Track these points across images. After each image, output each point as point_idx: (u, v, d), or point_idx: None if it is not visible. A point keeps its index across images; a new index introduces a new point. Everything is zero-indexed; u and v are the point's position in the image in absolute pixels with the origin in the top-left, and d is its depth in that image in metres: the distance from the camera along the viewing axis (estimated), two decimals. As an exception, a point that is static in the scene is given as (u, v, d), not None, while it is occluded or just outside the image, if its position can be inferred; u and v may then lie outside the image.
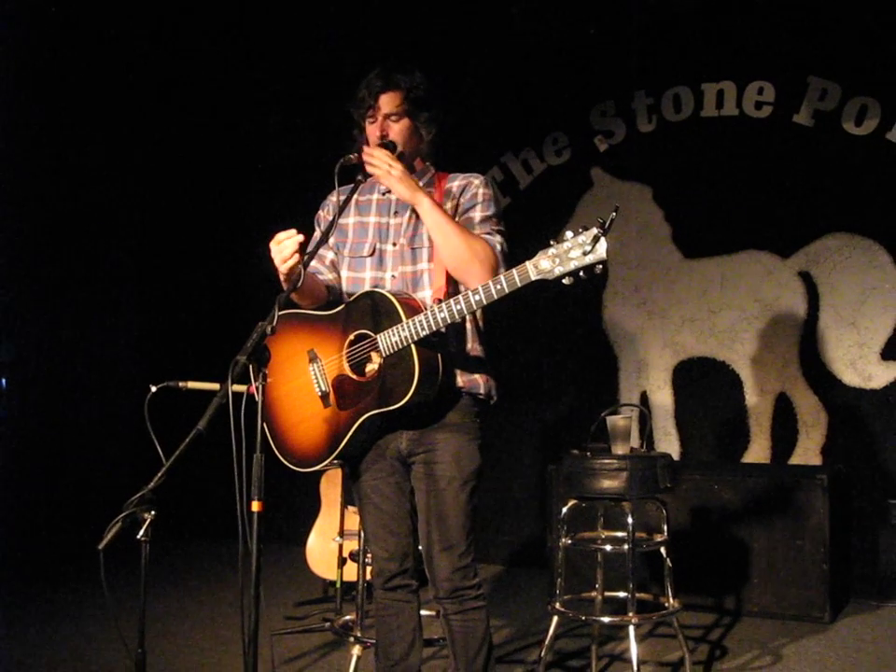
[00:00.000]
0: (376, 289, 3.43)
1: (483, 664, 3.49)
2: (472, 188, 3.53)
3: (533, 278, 2.97)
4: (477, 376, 3.51)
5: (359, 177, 3.43)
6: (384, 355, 3.31)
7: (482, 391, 3.51)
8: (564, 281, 2.94)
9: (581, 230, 2.90)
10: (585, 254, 2.87)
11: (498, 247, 3.41)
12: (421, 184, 3.49)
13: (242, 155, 8.26)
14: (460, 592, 3.46)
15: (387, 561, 3.58)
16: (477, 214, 3.47)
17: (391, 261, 3.54)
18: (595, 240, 2.86)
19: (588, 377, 7.04)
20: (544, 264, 2.93)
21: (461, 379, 3.47)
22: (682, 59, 6.66)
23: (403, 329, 3.23)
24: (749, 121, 6.49)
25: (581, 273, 2.91)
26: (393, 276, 3.50)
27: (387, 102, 3.47)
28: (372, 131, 3.51)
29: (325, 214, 3.75)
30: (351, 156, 3.37)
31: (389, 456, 3.51)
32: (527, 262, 2.97)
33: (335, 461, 3.51)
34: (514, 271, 3.00)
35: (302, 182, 7.48)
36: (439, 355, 3.30)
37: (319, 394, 3.48)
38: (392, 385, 3.29)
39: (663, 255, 6.77)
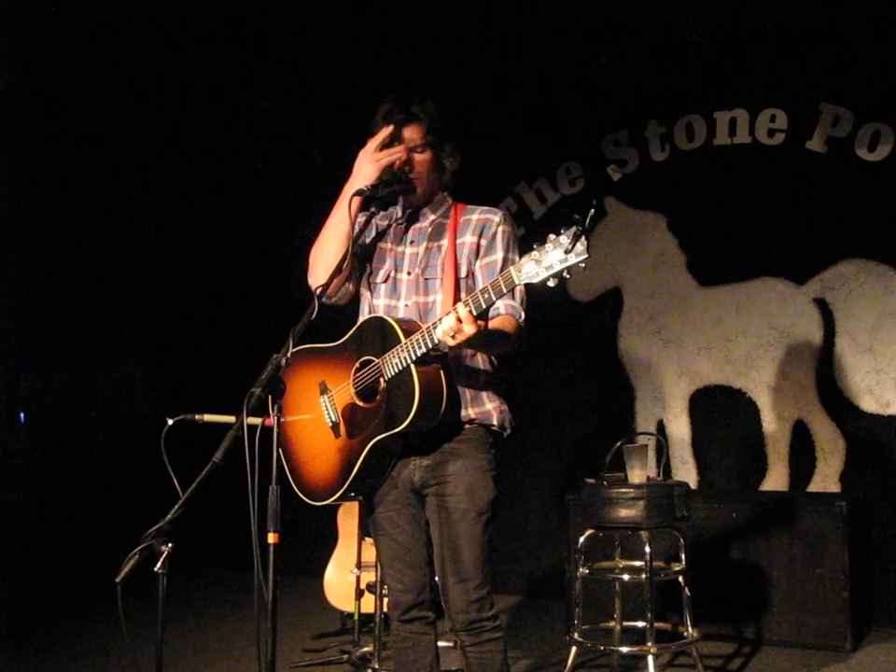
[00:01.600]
0: (377, 315, 3.45)
1: None
2: (492, 226, 3.51)
3: (518, 283, 2.94)
4: (490, 408, 3.50)
5: (373, 208, 3.47)
6: (386, 378, 3.31)
7: (494, 422, 3.50)
8: (549, 283, 2.91)
9: (561, 230, 2.87)
10: (567, 253, 2.84)
11: (522, 315, 3.43)
12: (438, 215, 3.54)
13: (258, 186, 8.28)
14: (477, 624, 3.45)
15: (403, 593, 3.57)
16: (498, 258, 3.46)
17: (405, 290, 3.54)
18: (576, 238, 2.83)
19: (604, 406, 7.02)
20: (528, 268, 2.91)
21: (473, 411, 3.47)
22: (694, 87, 6.67)
23: (402, 350, 3.23)
24: (762, 149, 6.50)
25: (566, 273, 2.89)
26: (406, 305, 3.50)
27: (410, 134, 3.48)
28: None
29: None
30: (364, 187, 3.39)
31: (403, 488, 3.50)
32: (511, 268, 2.96)
33: (350, 493, 3.49)
34: (500, 278, 2.99)
35: (319, 212, 7.54)
36: (441, 373, 3.28)
37: (330, 425, 3.49)
38: (395, 407, 3.29)
39: (678, 283, 6.77)
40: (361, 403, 3.40)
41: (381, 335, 3.35)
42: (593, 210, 2.87)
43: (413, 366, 3.22)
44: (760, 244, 6.50)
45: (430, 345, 3.16)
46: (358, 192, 3.37)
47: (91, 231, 8.44)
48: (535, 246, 2.90)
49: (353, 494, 3.53)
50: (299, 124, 7.97)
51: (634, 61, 6.80)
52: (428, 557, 3.57)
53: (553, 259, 2.87)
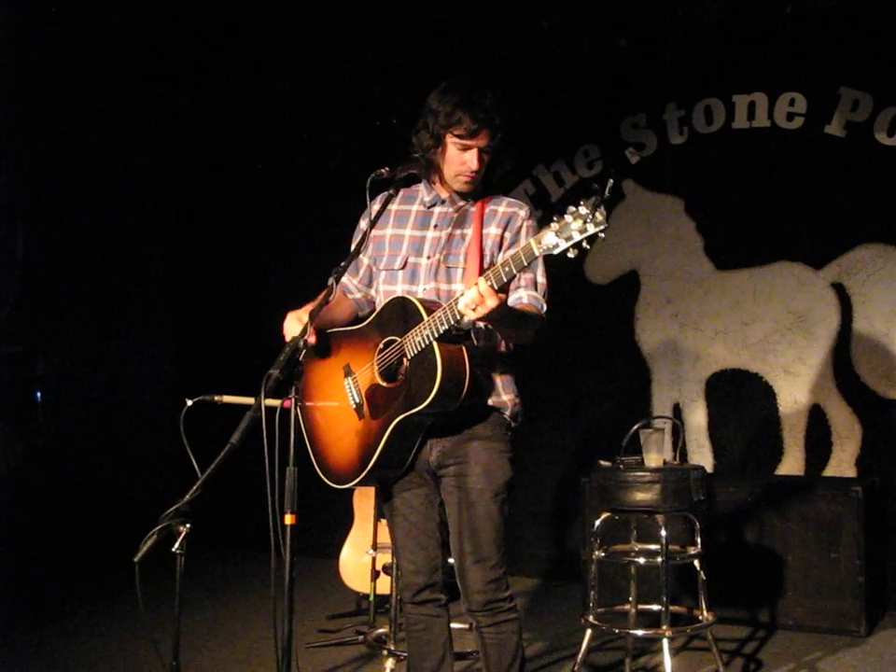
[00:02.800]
0: (399, 295, 3.44)
1: None
2: (518, 220, 3.52)
3: (538, 254, 2.94)
4: (505, 398, 3.52)
5: (391, 191, 3.46)
6: (409, 357, 3.32)
7: (507, 413, 3.53)
8: (569, 254, 2.89)
9: (581, 201, 2.84)
10: (586, 223, 2.82)
11: (544, 308, 3.45)
12: (466, 202, 3.55)
13: (275, 169, 8.29)
14: (492, 604, 3.47)
15: (415, 574, 3.59)
16: None
17: (423, 275, 3.53)
18: (595, 207, 2.82)
19: (621, 389, 7.02)
20: (548, 239, 2.89)
21: (491, 399, 3.49)
22: (713, 71, 6.65)
23: (425, 328, 3.24)
24: (781, 133, 6.47)
25: (585, 244, 2.87)
26: (425, 290, 3.48)
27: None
28: (462, 160, 3.47)
29: (364, 225, 3.74)
30: (382, 171, 3.39)
31: (418, 468, 3.52)
32: (531, 239, 2.95)
33: (375, 475, 3.49)
34: (520, 251, 2.97)
35: (334, 197, 7.54)
36: (465, 353, 3.28)
37: (354, 407, 3.50)
38: (418, 385, 3.29)
39: (695, 267, 6.75)
40: (384, 384, 3.41)
41: (403, 315, 3.36)
42: (611, 181, 2.88)
43: (435, 343, 3.22)
44: (777, 228, 6.48)
45: (453, 321, 3.16)
46: (376, 176, 3.37)
47: (109, 210, 8.45)
48: (554, 218, 2.89)
49: (377, 476, 3.53)
50: (320, 109, 7.95)
51: (653, 44, 6.76)
52: (441, 539, 3.58)
53: (572, 229, 2.85)
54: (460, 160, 3.48)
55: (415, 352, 3.29)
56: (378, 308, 3.54)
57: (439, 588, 3.61)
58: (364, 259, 3.73)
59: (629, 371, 6.99)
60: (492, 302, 3.02)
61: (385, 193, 3.52)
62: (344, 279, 3.73)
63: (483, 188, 3.60)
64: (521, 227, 3.51)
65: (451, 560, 3.57)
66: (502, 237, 3.48)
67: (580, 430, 7.10)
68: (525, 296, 3.43)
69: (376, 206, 3.57)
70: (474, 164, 3.46)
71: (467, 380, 3.27)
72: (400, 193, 3.63)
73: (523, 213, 3.54)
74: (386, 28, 7.38)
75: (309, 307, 3.39)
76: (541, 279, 3.50)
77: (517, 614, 3.54)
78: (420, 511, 3.57)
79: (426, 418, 3.37)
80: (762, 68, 6.51)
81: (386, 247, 3.63)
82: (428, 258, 3.54)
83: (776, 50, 6.43)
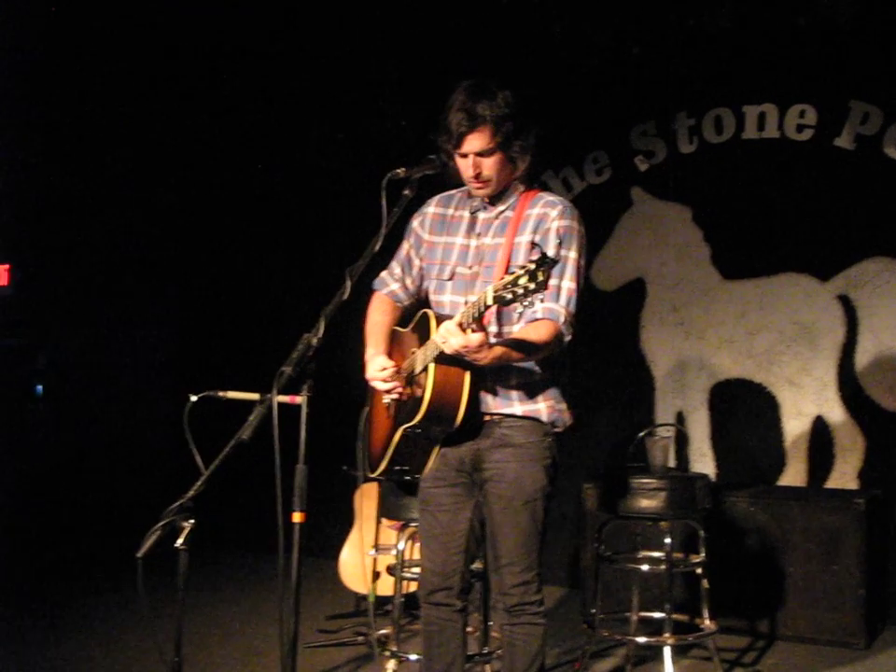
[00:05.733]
0: (427, 310, 3.48)
1: None
2: (547, 221, 3.46)
3: (490, 304, 2.97)
4: (542, 406, 3.50)
5: (406, 192, 3.43)
6: (416, 372, 3.39)
7: (544, 419, 3.50)
8: (517, 305, 2.95)
9: (538, 266, 2.88)
10: (536, 289, 2.88)
11: (562, 318, 3.39)
12: (507, 206, 3.53)
13: (286, 167, 8.28)
14: (518, 607, 3.49)
15: (431, 573, 3.60)
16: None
17: (465, 286, 3.52)
18: (546, 279, 2.89)
19: (624, 396, 7.01)
20: (500, 293, 2.93)
21: (522, 407, 3.48)
22: (724, 80, 6.64)
23: (431, 346, 3.28)
24: (791, 144, 6.46)
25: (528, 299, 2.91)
26: (466, 302, 3.37)
27: (476, 140, 3.38)
28: (464, 168, 3.45)
29: (417, 226, 3.74)
30: (398, 171, 3.37)
31: (451, 466, 3.54)
32: (489, 287, 3.00)
33: (393, 472, 3.59)
34: (480, 296, 3.02)
35: (345, 194, 7.55)
36: (465, 375, 3.30)
37: (386, 404, 3.60)
38: (414, 402, 3.37)
39: (701, 276, 6.74)
40: (406, 390, 3.49)
41: (426, 328, 3.39)
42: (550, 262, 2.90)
43: (432, 365, 3.26)
44: (785, 239, 6.47)
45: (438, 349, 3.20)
46: (392, 176, 3.35)
47: (115, 203, 8.45)
48: (515, 271, 2.92)
49: (396, 472, 3.61)
50: (331, 103, 7.95)
51: (664, 52, 6.76)
52: (467, 545, 3.58)
53: (520, 284, 2.89)
54: (464, 167, 3.47)
55: (420, 369, 3.34)
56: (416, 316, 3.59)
57: (455, 593, 3.60)
58: (416, 262, 3.74)
59: (633, 378, 6.98)
60: (455, 341, 3.06)
61: (404, 195, 3.46)
62: (395, 287, 3.79)
63: (529, 184, 3.58)
64: (549, 228, 3.44)
65: (473, 566, 3.61)
66: (533, 243, 3.42)
67: (583, 437, 7.08)
68: (539, 309, 3.36)
69: (430, 209, 3.69)
70: (470, 171, 3.44)
71: (462, 405, 3.30)
72: (457, 196, 3.64)
73: (553, 213, 3.47)
74: (398, 33, 7.39)
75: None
76: (568, 284, 3.44)
77: (544, 620, 3.55)
78: (450, 510, 3.58)
79: (430, 432, 3.40)
80: (772, 79, 6.50)
81: (439, 255, 3.63)
82: (470, 268, 3.53)
83: (787, 62, 6.43)
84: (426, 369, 3.29)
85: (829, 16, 6.19)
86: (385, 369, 3.51)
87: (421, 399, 3.27)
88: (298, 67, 7.98)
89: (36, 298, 8.35)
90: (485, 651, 4.63)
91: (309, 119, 8.06)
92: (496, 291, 2.93)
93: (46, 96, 7.88)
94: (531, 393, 3.49)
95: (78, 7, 7.71)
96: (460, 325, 3.07)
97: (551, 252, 3.22)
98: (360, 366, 3.67)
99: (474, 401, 3.36)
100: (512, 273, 2.91)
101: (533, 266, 2.86)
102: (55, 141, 8.04)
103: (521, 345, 3.29)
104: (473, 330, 3.07)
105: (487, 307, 2.99)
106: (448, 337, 3.07)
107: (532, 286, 2.85)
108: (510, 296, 2.89)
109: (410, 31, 7.37)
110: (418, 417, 3.28)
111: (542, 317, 3.37)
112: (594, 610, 4.86)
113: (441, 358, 3.23)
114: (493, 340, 3.30)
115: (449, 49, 7.17)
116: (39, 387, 8.67)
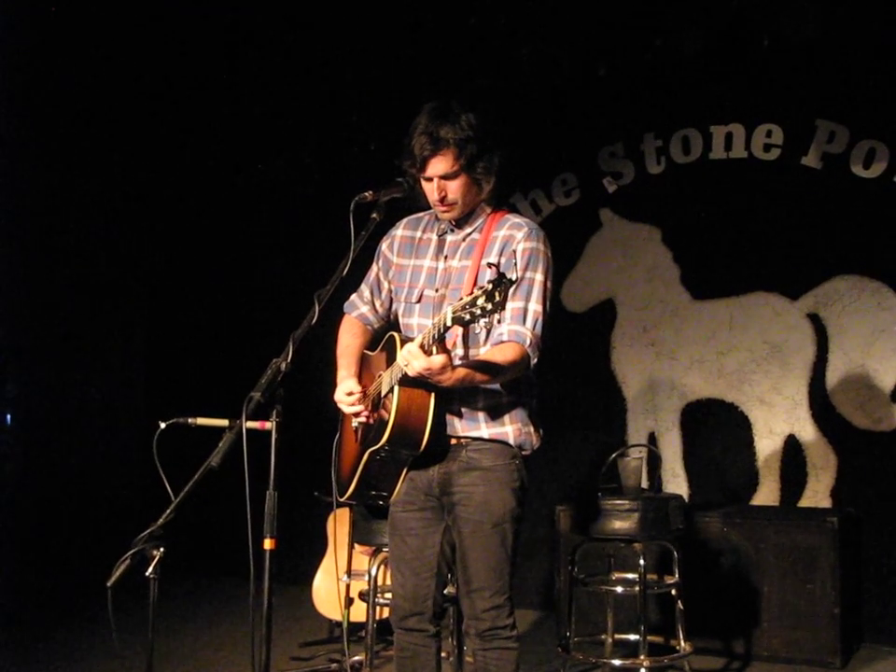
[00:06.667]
0: (394, 332, 3.48)
1: None
2: (513, 244, 3.44)
3: (450, 325, 2.96)
4: (508, 429, 3.48)
5: (374, 215, 3.40)
6: (383, 394, 3.39)
7: (511, 441, 3.48)
8: (476, 325, 2.95)
9: (487, 283, 2.88)
10: (494, 308, 2.87)
11: (528, 340, 3.36)
12: (473, 228, 3.52)
13: (254, 190, 8.25)
14: (491, 631, 3.46)
15: (403, 599, 3.57)
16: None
17: (432, 309, 3.50)
18: (504, 299, 2.88)
19: (596, 417, 7.00)
20: (458, 314, 2.92)
21: (490, 431, 3.45)
22: (691, 101, 6.67)
23: (396, 369, 3.27)
24: (758, 164, 6.50)
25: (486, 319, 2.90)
26: (433, 324, 3.36)
27: (440, 164, 3.37)
28: (429, 191, 3.44)
29: (386, 249, 3.74)
30: (366, 194, 3.35)
31: (420, 490, 3.51)
32: (448, 308, 2.98)
33: (361, 496, 3.63)
34: (439, 317, 3.02)
35: (315, 218, 7.53)
36: (430, 397, 3.30)
37: (354, 428, 3.61)
38: (379, 425, 3.36)
39: (671, 296, 6.76)
40: (373, 413, 3.48)
41: (393, 351, 3.38)
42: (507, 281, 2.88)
43: (397, 387, 3.25)
44: (754, 258, 6.50)
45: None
46: (360, 199, 3.33)
47: (81, 231, 8.39)
48: (474, 292, 2.91)
49: (365, 496, 3.65)
50: (298, 126, 7.93)
51: (631, 73, 6.78)
52: (437, 570, 3.55)
53: (482, 307, 2.88)
54: (429, 190, 3.46)
55: (385, 391, 3.34)
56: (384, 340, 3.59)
57: (427, 618, 3.57)
58: (386, 284, 3.74)
59: (604, 400, 6.97)
60: (417, 364, 3.05)
61: (371, 219, 3.42)
62: (364, 310, 3.80)
63: (496, 205, 3.57)
64: (514, 250, 3.41)
65: (446, 591, 3.57)
66: (489, 263, 3.37)
67: (554, 458, 7.06)
68: (505, 332, 3.36)
69: (399, 232, 3.69)
70: (435, 194, 3.43)
71: (427, 427, 3.29)
72: (426, 219, 3.64)
73: (519, 235, 3.45)
74: (366, 55, 7.39)
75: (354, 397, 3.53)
76: (535, 306, 3.41)
77: (515, 645, 3.50)
78: (419, 536, 3.55)
79: (397, 454, 3.39)
80: (739, 99, 6.54)
81: (407, 278, 3.63)
82: (436, 290, 3.52)
83: (753, 82, 6.47)
84: (391, 391, 3.27)
85: (793, 36, 6.23)
86: (351, 393, 3.51)
87: (386, 421, 3.26)
88: (264, 92, 7.96)
89: (2, 326, 8.27)
90: (460, 675, 4.59)
91: (277, 143, 8.04)
92: (454, 312, 2.91)
93: (8, 118, 7.83)
94: (498, 415, 3.46)
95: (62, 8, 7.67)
96: (422, 346, 3.07)
97: (513, 274, 3.19)
98: (331, 390, 3.66)
99: (440, 424, 3.35)
100: (471, 294, 2.90)
101: (490, 286, 2.85)
102: (18, 164, 7.97)
103: (486, 367, 3.27)
104: (437, 352, 3.06)
105: (447, 328, 2.98)
106: (410, 359, 3.07)
107: (489, 306, 2.84)
108: (468, 316, 2.88)
109: (378, 53, 7.37)
110: (384, 439, 3.27)
111: (508, 340, 3.35)
112: (568, 633, 4.84)
113: (406, 381, 3.22)
114: (458, 362, 3.30)
115: (417, 70, 7.18)
116: (8, 417, 8.58)
